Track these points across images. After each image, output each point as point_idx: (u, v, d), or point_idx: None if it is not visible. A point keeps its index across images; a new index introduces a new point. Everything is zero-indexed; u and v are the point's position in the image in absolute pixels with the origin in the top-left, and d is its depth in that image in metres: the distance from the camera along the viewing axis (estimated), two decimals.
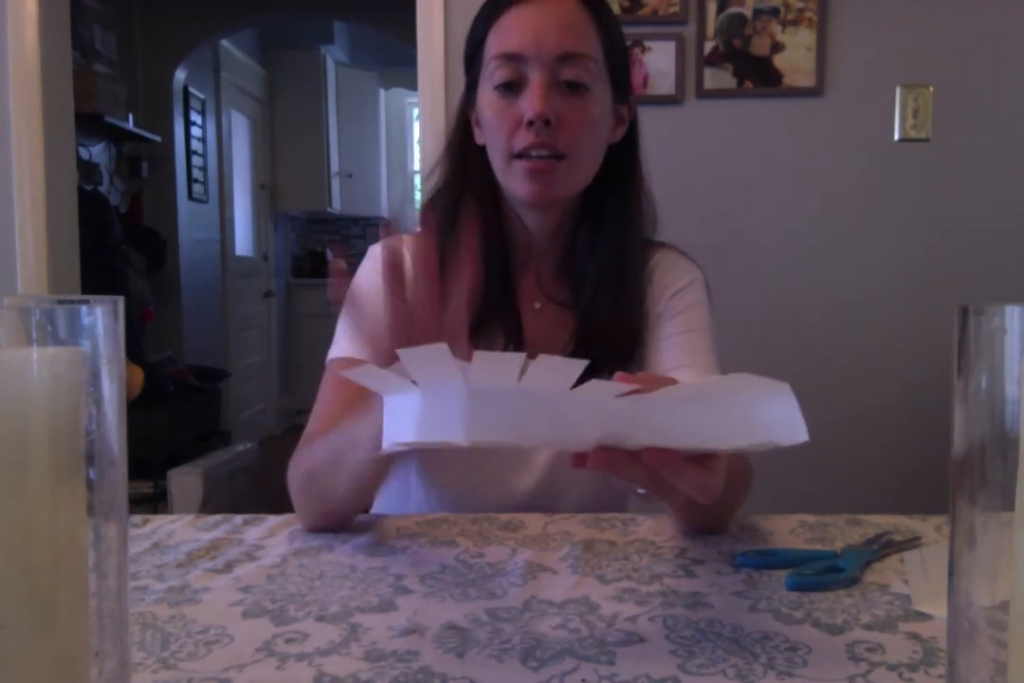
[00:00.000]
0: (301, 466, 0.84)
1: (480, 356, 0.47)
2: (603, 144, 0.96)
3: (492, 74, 0.91)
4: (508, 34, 0.90)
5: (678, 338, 0.95)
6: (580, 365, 0.47)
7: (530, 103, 0.88)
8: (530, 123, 0.88)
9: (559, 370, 0.48)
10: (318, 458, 0.82)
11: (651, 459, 0.49)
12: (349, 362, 0.92)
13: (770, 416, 0.51)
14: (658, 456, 0.49)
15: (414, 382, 0.50)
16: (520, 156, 0.90)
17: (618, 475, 0.52)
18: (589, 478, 0.98)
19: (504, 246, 0.98)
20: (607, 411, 0.50)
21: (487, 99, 0.93)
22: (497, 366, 0.48)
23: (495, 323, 0.95)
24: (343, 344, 0.94)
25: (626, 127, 0.99)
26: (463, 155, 0.98)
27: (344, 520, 0.84)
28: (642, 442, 0.50)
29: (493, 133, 0.93)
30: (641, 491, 0.56)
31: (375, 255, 1.00)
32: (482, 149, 0.96)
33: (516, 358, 0.47)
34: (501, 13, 0.91)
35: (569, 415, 0.49)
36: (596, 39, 0.92)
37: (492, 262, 0.96)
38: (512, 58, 0.90)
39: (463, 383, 0.48)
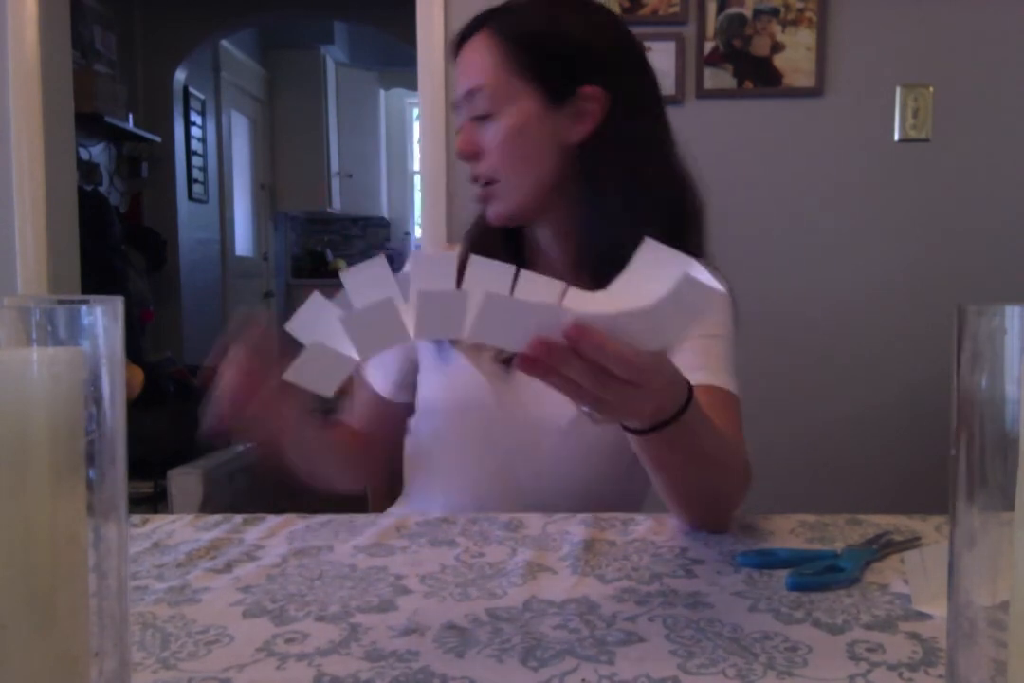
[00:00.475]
0: None
1: (418, 260, 0.54)
2: (539, 151, 0.94)
3: None
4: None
5: (693, 342, 0.92)
6: (511, 269, 0.54)
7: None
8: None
9: (495, 273, 0.54)
10: None
11: (572, 330, 0.52)
12: None
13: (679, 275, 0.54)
14: (580, 328, 0.52)
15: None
16: None
17: (558, 375, 0.55)
18: (593, 470, 0.99)
19: (520, 256, 1.01)
20: (540, 306, 0.53)
21: None
22: (437, 270, 0.53)
23: None
24: None
25: (591, 123, 0.93)
26: None
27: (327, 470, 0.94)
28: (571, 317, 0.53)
29: None
30: (587, 410, 0.60)
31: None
32: None
33: (452, 259, 0.53)
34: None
35: (504, 312, 0.52)
36: (497, 60, 0.94)
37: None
38: (456, 107, 0.99)
39: (399, 293, 0.53)
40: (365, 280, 0.53)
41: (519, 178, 0.96)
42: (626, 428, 0.69)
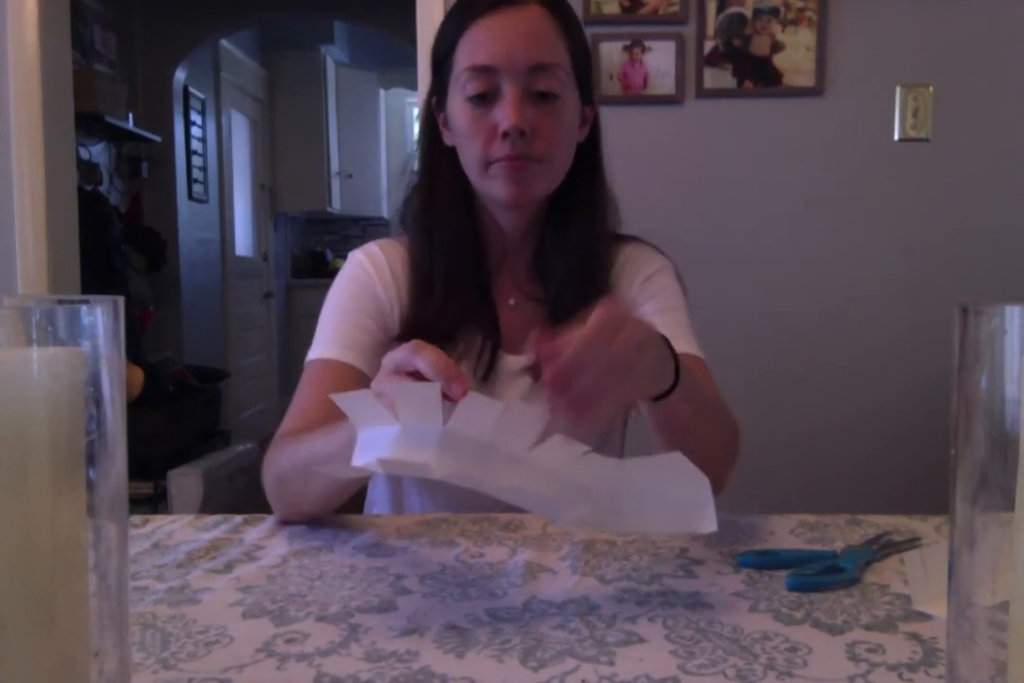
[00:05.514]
0: (272, 470, 0.85)
1: (467, 400, 0.57)
2: (574, 146, 0.98)
3: (464, 85, 0.92)
4: (479, 46, 0.91)
5: (653, 318, 0.96)
6: (543, 419, 0.59)
7: (504, 115, 0.90)
8: (505, 134, 0.90)
9: (525, 421, 0.58)
10: (288, 466, 0.83)
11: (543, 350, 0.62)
12: (329, 365, 0.93)
13: (684, 503, 0.64)
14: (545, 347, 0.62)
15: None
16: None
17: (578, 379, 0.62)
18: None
19: (479, 246, 1.00)
20: (558, 473, 0.60)
21: (460, 109, 0.94)
22: (477, 412, 0.57)
23: (473, 321, 0.98)
24: (324, 345, 0.95)
25: (589, 126, 1.01)
26: (432, 156, 1.00)
27: (314, 517, 0.85)
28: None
29: (467, 142, 0.94)
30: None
31: (356, 261, 1.02)
32: (451, 149, 0.98)
33: (496, 406, 0.57)
34: (470, 23, 0.92)
35: (523, 476, 0.59)
36: (564, 46, 0.93)
37: (467, 262, 0.98)
38: (485, 70, 0.91)
39: (441, 424, 0.56)
40: (414, 399, 0.57)
41: (562, 163, 0.96)
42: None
